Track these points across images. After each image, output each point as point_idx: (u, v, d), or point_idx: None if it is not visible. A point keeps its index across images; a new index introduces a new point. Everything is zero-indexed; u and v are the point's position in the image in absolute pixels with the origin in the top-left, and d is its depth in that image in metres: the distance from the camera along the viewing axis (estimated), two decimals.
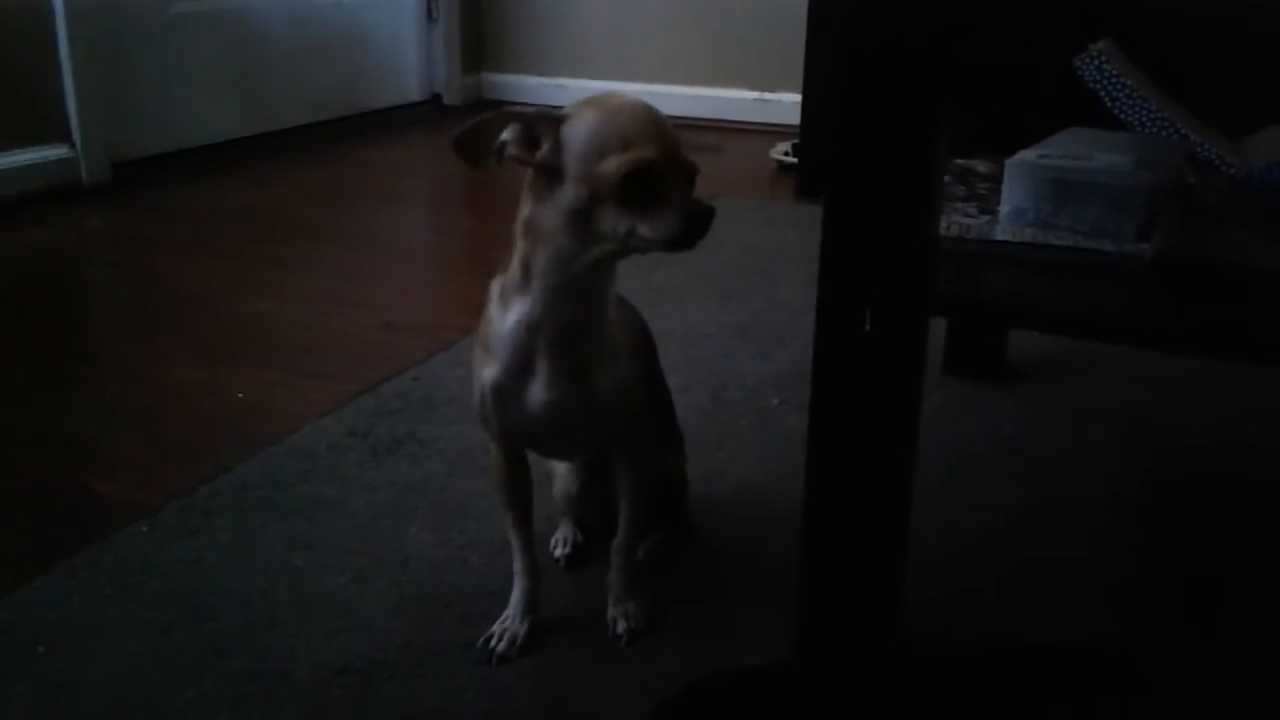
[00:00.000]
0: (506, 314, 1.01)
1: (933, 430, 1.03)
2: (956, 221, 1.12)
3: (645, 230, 0.92)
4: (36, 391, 1.72)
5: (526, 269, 0.99)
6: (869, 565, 1.01)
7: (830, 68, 2.76)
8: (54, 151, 2.77)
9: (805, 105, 2.94)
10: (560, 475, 1.26)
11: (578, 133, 0.94)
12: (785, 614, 1.03)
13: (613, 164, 0.92)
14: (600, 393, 1.03)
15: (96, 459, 1.51)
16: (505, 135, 0.95)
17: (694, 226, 0.92)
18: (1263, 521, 1.41)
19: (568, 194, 0.94)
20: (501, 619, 1.13)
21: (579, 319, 1.00)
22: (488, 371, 1.03)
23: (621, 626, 1.14)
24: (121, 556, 1.26)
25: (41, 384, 1.74)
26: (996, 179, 1.20)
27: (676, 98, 3.86)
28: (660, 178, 0.92)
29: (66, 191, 2.75)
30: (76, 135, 2.78)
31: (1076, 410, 1.69)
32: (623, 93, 0.99)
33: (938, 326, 1.17)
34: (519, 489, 1.13)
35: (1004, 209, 1.13)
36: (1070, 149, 1.16)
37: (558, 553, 1.27)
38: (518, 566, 1.14)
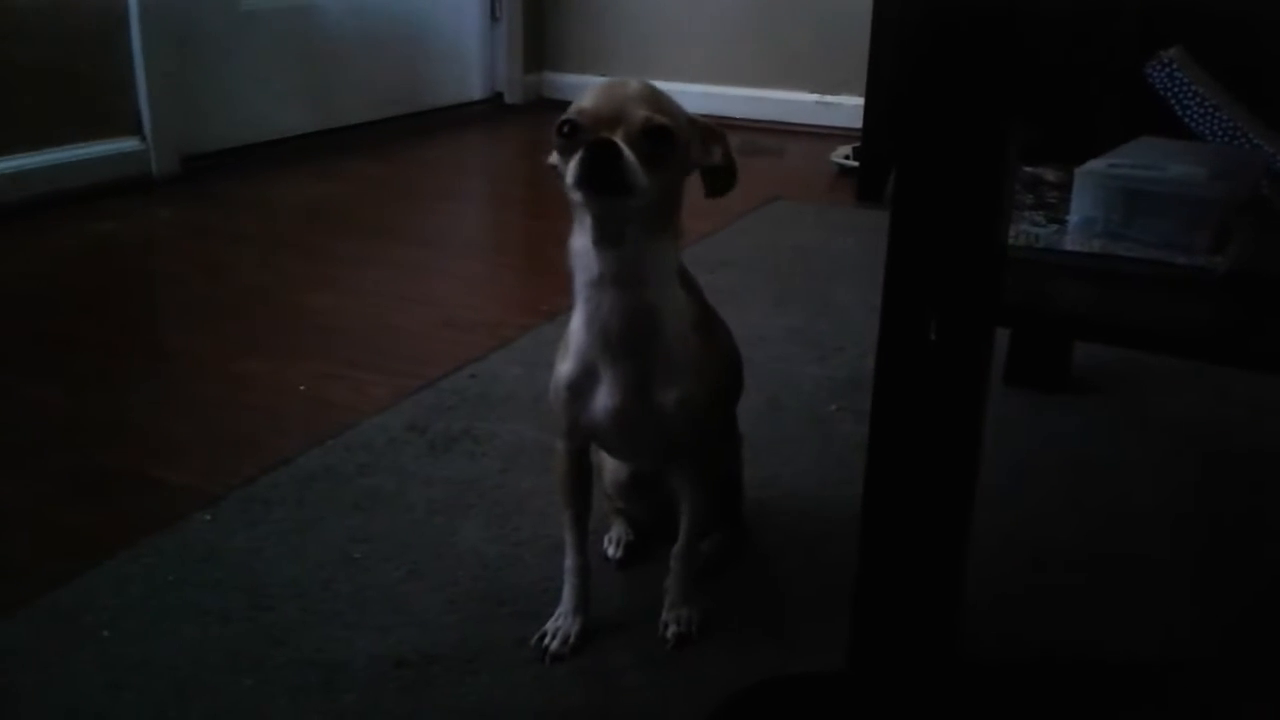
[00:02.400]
0: (576, 315, 1.03)
1: (994, 440, 1.02)
2: (1024, 230, 1.11)
3: (567, 179, 0.93)
4: (103, 380, 1.76)
5: (572, 270, 1.01)
6: (927, 576, 0.99)
7: (895, 71, 2.75)
8: (125, 144, 2.82)
9: (868, 109, 2.92)
10: (611, 466, 1.26)
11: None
12: (839, 622, 1.02)
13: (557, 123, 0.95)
14: (664, 409, 1.03)
15: (161, 447, 1.54)
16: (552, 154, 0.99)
17: (585, 158, 0.91)
18: None
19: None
20: (554, 617, 1.14)
21: (630, 325, 1.00)
22: (562, 367, 1.05)
23: (672, 631, 1.14)
24: (184, 544, 1.28)
25: (108, 373, 1.78)
26: (1065, 187, 1.18)
27: (737, 99, 3.87)
28: (590, 129, 0.93)
29: (136, 184, 2.81)
30: (148, 129, 2.84)
31: (1140, 423, 1.66)
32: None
33: (1000, 335, 1.15)
34: (580, 487, 1.14)
35: (1073, 218, 1.11)
36: (1142, 159, 1.14)
37: (611, 552, 1.28)
38: (569, 564, 1.15)
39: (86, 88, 2.73)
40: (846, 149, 3.23)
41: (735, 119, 3.78)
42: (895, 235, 0.89)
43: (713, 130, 1.03)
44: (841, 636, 1.02)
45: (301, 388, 1.72)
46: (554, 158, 0.99)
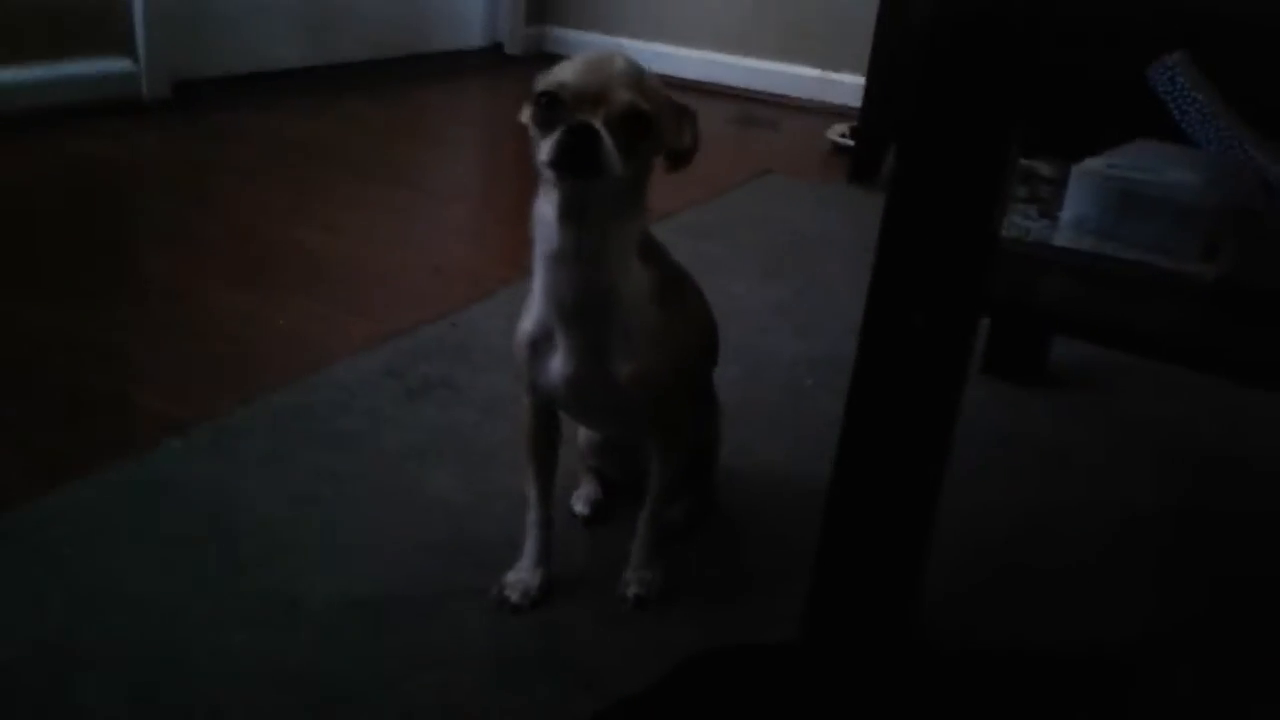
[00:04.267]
0: (535, 279, 1.03)
1: (966, 428, 1.03)
2: (1016, 223, 1.11)
3: (540, 152, 0.93)
4: (80, 302, 1.74)
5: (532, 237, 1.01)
6: (888, 554, 1.00)
7: (902, 55, 2.74)
8: (116, 64, 2.79)
9: (868, 88, 2.91)
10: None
11: (542, 77, 0.96)
12: (799, 595, 1.03)
13: (534, 91, 0.94)
14: (618, 381, 1.03)
15: (136, 373, 1.53)
16: (525, 113, 0.98)
17: (563, 141, 0.90)
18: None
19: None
20: (515, 569, 1.14)
21: (584, 298, 1.00)
22: (525, 323, 1.05)
23: (632, 591, 1.14)
24: (153, 470, 1.28)
25: (86, 296, 1.77)
26: (1059, 183, 1.18)
27: (737, 68, 3.84)
28: (573, 106, 0.92)
29: (125, 106, 2.77)
30: (141, 50, 2.80)
31: (1112, 421, 1.67)
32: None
33: (980, 325, 1.16)
34: (545, 441, 1.14)
35: (1066, 215, 1.11)
36: (1138, 161, 1.14)
37: (578, 509, 1.28)
38: (532, 517, 1.15)
39: (81, 4, 2.68)
40: (844, 127, 3.23)
41: (734, 88, 3.77)
42: (889, 220, 0.89)
43: (686, 110, 1.02)
44: (800, 609, 1.03)
45: (281, 323, 1.71)
46: (527, 116, 0.97)
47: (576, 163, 0.91)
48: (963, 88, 0.85)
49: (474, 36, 4.04)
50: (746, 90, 3.79)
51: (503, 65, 4.01)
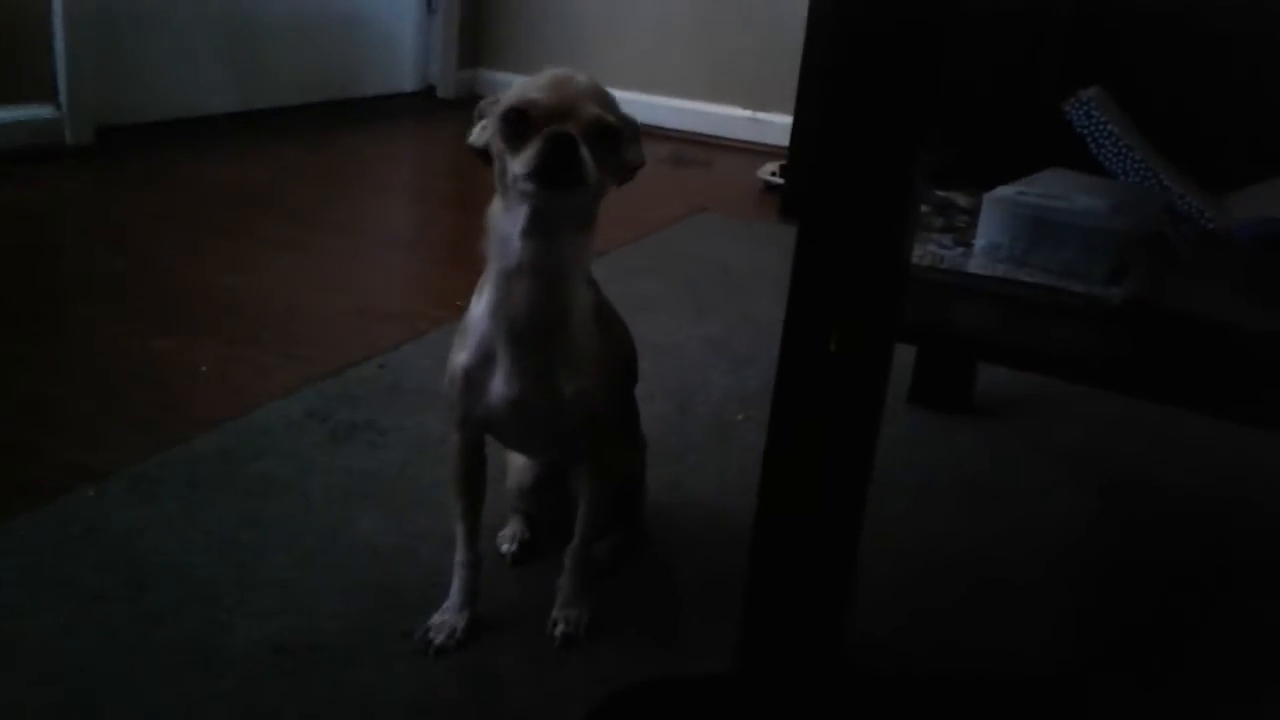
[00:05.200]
0: (479, 301, 1.03)
1: (893, 458, 1.04)
2: (931, 251, 1.13)
3: (515, 166, 0.93)
4: None
5: (486, 255, 1.00)
6: (816, 581, 1.00)
7: (817, 87, 2.78)
8: (39, 111, 2.74)
9: (796, 126, 2.95)
10: (516, 468, 1.26)
11: (503, 96, 0.97)
12: (730, 627, 1.02)
13: (500, 108, 0.95)
14: (563, 399, 1.03)
15: (49, 419, 1.49)
16: (473, 131, 0.99)
17: (544, 151, 0.91)
18: (1205, 567, 1.41)
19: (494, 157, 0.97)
20: (441, 610, 1.12)
21: (537, 313, 0.99)
22: (459, 356, 1.04)
23: (560, 630, 1.13)
24: (65, 519, 1.24)
25: (2, 338, 1.72)
26: (975, 212, 1.20)
27: (669, 110, 3.88)
28: (541, 121, 0.92)
29: (48, 152, 2.72)
30: (63, 95, 2.76)
31: (1038, 449, 1.69)
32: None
33: (906, 355, 1.17)
34: (472, 479, 1.13)
35: (979, 243, 1.13)
36: (1049, 188, 1.16)
37: (505, 549, 1.27)
38: (459, 558, 1.13)
39: (2, 50, 2.64)
40: (774, 165, 3.27)
41: (666, 129, 3.80)
42: (802, 243, 0.90)
43: (636, 125, 1.03)
44: (730, 643, 1.03)
45: (203, 368, 1.68)
46: (477, 137, 0.99)
47: (557, 172, 0.91)
48: (865, 105, 0.86)
49: (406, 80, 4.04)
50: (679, 131, 3.82)
51: (435, 109, 4.01)
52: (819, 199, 0.90)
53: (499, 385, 1.02)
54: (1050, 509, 1.52)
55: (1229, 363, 0.98)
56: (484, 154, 0.99)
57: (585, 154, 0.92)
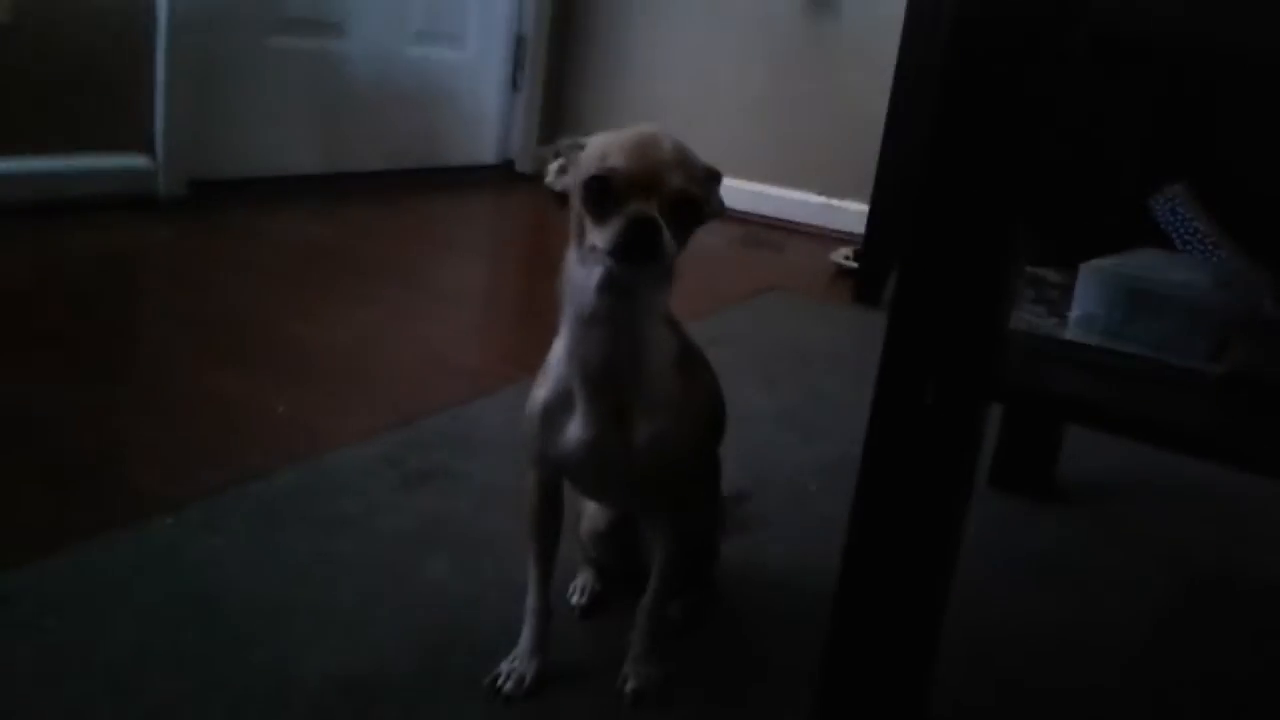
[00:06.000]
0: (559, 342, 1.03)
1: (974, 541, 1.01)
2: (1025, 319, 1.11)
3: (596, 239, 0.93)
4: (82, 379, 1.73)
5: (560, 298, 1.01)
6: (896, 657, 0.97)
7: (901, 179, 2.79)
8: (135, 161, 2.84)
9: (872, 213, 2.96)
10: (589, 514, 1.25)
11: (585, 153, 0.97)
12: (803, 695, 1.00)
13: (582, 171, 0.95)
14: (638, 444, 1.02)
15: (130, 449, 1.51)
16: (549, 170, 1.00)
17: (626, 233, 0.90)
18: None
19: (571, 208, 0.97)
20: (510, 657, 1.11)
21: (613, 359, 0.99)
22: (539, 392, 1.04)
23: (630, 686, 1.11)
24: (142, 545, 1.25)
25: (89, 373, 1.76)
26: (1067, 288, 1.19)
27: (743, 193, 3.91)
28: (626, 191, 0.92)
29: (141, 202, 2.81)
30: (159, 148, 2.85)
31: (1121, 538, 1.64)
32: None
33: (987, 439, 1.15)
34: (547, 521, 1.12)
35: (1075, 313, 1.11)
36: (1146, 262, 1.15)
37: (575, 600, 1.25)
38: (531, 604, 1.12)
39: (102, 97, 2.74)
40: (847, 250, 3.27)
41: (740, 212, 3.83)
42: (899, 297, 0.90)
43: (718, 175, 1.03)
44: (803, 711, 1.00)
45: (280, 409, 1.70)
46: (555, 180, 0.99)
47: (636, 254, 0.91)
48: (968, 168, 0.86)
49: (487, 153, 4.13)
50: (753, 214, 3.85)
51: (513, 181, 4.09)
52: (918, 251, 0.90)
53: (575, 427, 1.02)
54: (1130, 600, 1.46)
55: None
56: (560, 196, 0.99)
57: (666, 235, 0.92)
